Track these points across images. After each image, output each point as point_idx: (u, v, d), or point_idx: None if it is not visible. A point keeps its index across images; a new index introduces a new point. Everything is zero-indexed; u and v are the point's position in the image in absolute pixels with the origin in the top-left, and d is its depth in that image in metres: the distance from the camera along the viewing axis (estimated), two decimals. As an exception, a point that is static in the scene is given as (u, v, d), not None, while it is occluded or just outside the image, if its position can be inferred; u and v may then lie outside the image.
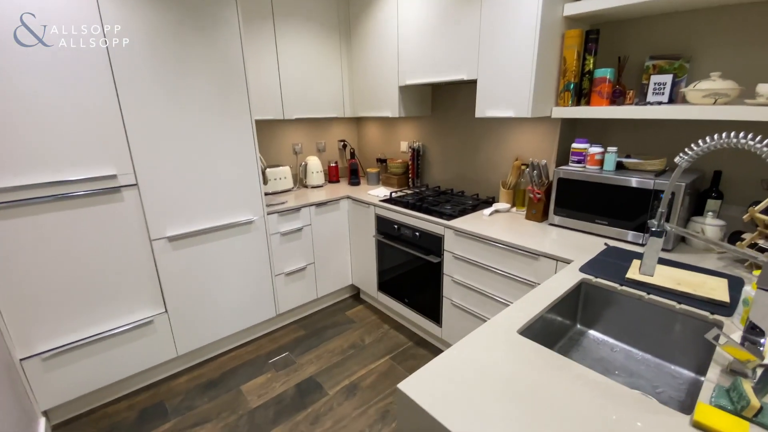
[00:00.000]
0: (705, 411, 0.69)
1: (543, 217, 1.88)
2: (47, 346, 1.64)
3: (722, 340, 0.79)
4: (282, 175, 2.61)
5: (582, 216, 1.69)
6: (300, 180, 2.84)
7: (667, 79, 1.54)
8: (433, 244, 2.04)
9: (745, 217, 1.27)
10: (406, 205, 2.22)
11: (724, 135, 0.76)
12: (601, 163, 1.68)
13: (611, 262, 1.36)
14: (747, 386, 0.72)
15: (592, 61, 1.70)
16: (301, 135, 2.90)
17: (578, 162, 1.76)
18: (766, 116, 1.23)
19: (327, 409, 1.82)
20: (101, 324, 1.75)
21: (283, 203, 2.34)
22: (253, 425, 1.73)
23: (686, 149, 0.83)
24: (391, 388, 1.95)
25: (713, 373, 0.81)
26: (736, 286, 1.15)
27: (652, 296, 1.13)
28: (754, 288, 0.93)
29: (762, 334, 0.77)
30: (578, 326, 1.31)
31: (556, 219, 1.78)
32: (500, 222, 1.89)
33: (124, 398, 1.92)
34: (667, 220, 1.45)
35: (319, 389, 1.95)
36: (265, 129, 2.69)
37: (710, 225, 1.44)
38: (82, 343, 1.71)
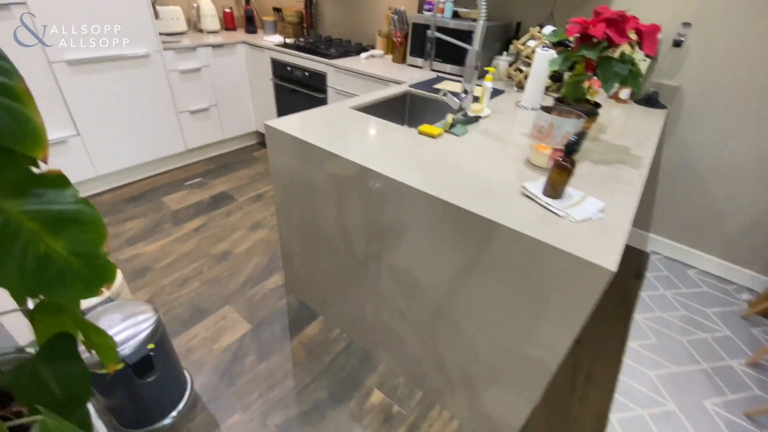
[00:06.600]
0: (425, 127, 1.34)
1: (404, 59, 2.38)
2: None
3: (450, 100, 1.42)
4: (175, 16, 2.64)
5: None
6: (194, 24, 2.88)
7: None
8: (320, 82, 2.47)
9: (511, 47, 1.91)
10: (298, 48, 2.54)
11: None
12: (444, 11, 2.16)
13: (432, 82, 1.96)
14: (449, 117, 1.39)
15: None
16: (190, -27, 2.82)
17: (429, 11, 2.21)
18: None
19: (237, 208, 2.39)
20: (15, 140, 1.96)
21: (178, 42, 2.47)
22: (177, 219, 2.24)
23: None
24: (289, 195, 2.56)
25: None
26: (496, 92, 1.84)
27: (447, 95, 1.76)
28: (488, 80, 1.58)
29: (467, 93, 1.42)
30: (405, 126, 1.94)
31: (411, 59, 2.30)
32: (372, 63, 2.36)
33: (54, 209, 2.25)
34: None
35: (230, 198, 2.48)
36: (148, -39, 2.58)
37: (502, 60, 2.08)
38: None
